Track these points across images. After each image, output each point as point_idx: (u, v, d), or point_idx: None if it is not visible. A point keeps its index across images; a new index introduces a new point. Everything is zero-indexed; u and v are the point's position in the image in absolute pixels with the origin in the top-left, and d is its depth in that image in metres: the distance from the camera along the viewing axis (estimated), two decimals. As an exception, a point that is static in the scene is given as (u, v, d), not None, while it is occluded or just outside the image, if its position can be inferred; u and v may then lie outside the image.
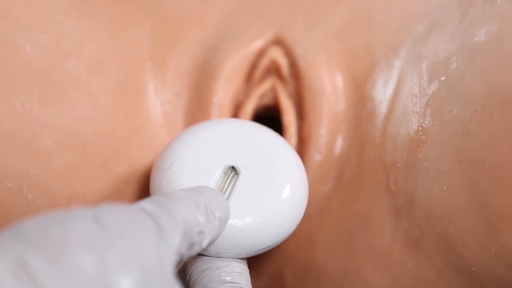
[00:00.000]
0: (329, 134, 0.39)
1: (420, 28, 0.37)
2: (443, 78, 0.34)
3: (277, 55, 0.41)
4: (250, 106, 0.40)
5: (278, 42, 0.41)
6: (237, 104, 0.41)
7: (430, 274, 0.33)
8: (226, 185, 0.33)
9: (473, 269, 0.31)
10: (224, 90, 0.40)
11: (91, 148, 0.36)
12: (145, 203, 0.27)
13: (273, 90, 0.41)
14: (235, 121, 0.36)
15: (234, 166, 0.33)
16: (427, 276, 0.33)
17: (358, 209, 0.37)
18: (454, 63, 0.33)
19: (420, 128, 0.34)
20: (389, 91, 0.37)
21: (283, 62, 0.41)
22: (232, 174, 0.33)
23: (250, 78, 0.41)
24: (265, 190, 0.33)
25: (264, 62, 0.41)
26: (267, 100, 0.41)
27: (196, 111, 0.40)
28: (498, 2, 0.33)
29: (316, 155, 0.39)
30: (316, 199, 0.39)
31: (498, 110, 0.30)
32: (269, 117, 0.42)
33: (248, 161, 0.34)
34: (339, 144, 0.39)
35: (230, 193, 0.33)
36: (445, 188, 0.32)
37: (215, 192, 0.31)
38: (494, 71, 0.31)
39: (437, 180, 0.32)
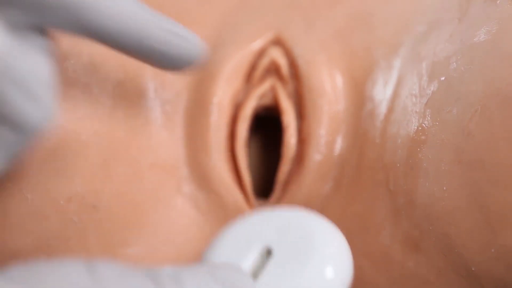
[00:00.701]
0: (329, 134, 0.39)
1: (420, 28, 0.37)
2: (443, 78, 0.34)
3: (277, 55, 0.41)
4: (250, 107, 0.40)
5: (278, 42, 0.41)
6: (236, 104, 0.41)
7: (430, 274, 0.33)
8: (258, 267, 0.32)
9: (473, 269, 0.31)
10: (224, 90, 0.40)
11: (91, 148, 0.36)
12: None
13: (273, 90, 0.41)
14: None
15: (269, 247, 0.32)
16: (427, 276, 0.33)
17: (358, 209, 0.37)
18: (454, 63, 0.33)
19: (420, 128, 0.34)
20: (389, 91, 0.37)
21: (282, 62, 0.41)
22: (266, 255, 0.32)
23: (249, 79, 0.41)
24: (300, 271, 0.30)
25: (264, 62, 0.41)
26: (266, 100, 0.41)
27: (196, 112, 0.40)
28: (498, 2, 0.33)
29: (316, 155, 0.39)
30: (316, 200, 0.39)
31: (498, 110, 0.30)
32: (269, 117, 0.42)
33: (285, 241, 0.32)
34: (339, 144, 0.39)
35: (261, 274, 0.31)
36: (445, 188, 0.32)
37: (239, 272, 0.29)
38: (494, 71, 0.31)
39: (437, 180, 0.32)
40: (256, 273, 0.31)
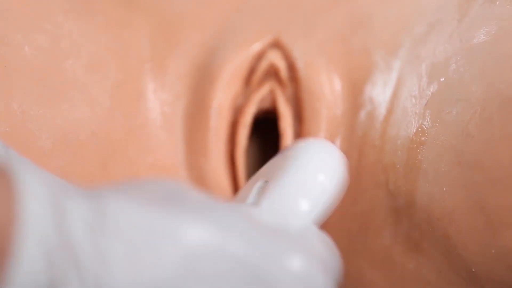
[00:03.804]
0: (328, 137, 0.39)
1: (419, 29, 0.37)
2: (442, 79, 0.34)
3: (276, 58, 0.41)
4: (250, 113, 0.40)
5: (277, 45, 0.41)
6: (236, 109, 0.41)
7: (430, 275, 0.33)
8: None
9: (473, 270, 0.31)
10: (223, 94, 0.40)
11: (89, 149, 0.36)
12: None
13: (272, 94, 0.41)
14: None
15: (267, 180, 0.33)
16: (428, 277, 0.33)
17: (358, 210, 0.37)
18: (454, 64, 0.33)
19: (419, 129, 0.34)
20: (388, 92, 0.37)
21: (281, 65, 0.41)
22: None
23: (249, 82, 0.41)
24: (292, 181, 0.32)
25: (263, 65, 0.41)
26: (265, 104, 0.41)
27: (196, 114, 0.40)
28: (497, 3, 0.33)
29: None
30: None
31: (497, 111, 0.30)
32: (268, 120, 0.42)
33: (278, 166, 0.33)
34: (338, 147, 0.39)
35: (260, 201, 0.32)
36: (444, 189, 0.32)
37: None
38: (493, 72, 0.31)
39: (437, 181, 0.32)
40: (256, 202, 0.32)
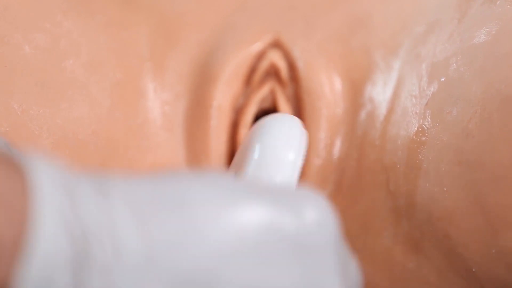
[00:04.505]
0: (328, 137, 0.39)
1: (419, 29, 0.37)
2: (442, 79, 0.34)
3: (276, 58, 0.40)
4: (250, 113, 0.40)
5: (277, 44, 0.41)
6: (236, 109, 0.41)
7: (431, 275, 0.33)
8: None
9: (474, 270, 0.31)
10: (223, 94, 0.40)
11: (89, 149, 0.35)
12: None
13: (272, 94, 0.41)
14: None
15: None
16: (428, 277, 0.33)
17: (359, 210, 0.37)
18: (454, 64, 0.33)
19: (420, 129, 0.34)
20: (389, 92, 0.37)
21: (282, 65, 0.40)
22: None
23: (249, 82, 0.41)
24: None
25: (263, 65, 0.41)
26: (266, 104, 0.41)
27: (196, 114, 0.40)
28: (497, 3, 0.33)
29: (316, 159, 0.39)
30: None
31: (498, 111, 0.30)
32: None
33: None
34: (338, 147, 0.39)
35: None
36: (445, 189, 0.32)
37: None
38: (494, 72, 0.31)
39: (437, 181, 0.32)
40: None
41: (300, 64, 0.40)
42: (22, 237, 0.20)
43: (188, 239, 0.22)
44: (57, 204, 0.21)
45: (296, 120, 0.36)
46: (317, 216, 0.25)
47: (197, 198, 0.23)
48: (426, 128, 0.34)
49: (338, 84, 0.40)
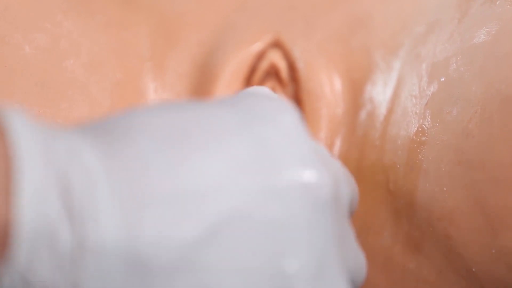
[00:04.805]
0: (328, 137, 0.39)
1: (419, 29, 0.37)
2: (442, 79, 0.34)
3: (276, 58, 0.41)
4: None
5: (277, 44, 0.41)
6: (236, 109, 0.41)
7: (431, 275, 0.33)
8: None
9: (474, 270, 0.31)
10: (224, 94, 0.40)
11: None
12: None
13: (272, 94, 0.41)
14: None
15: None
16: (428, 277, 0.33)
17: (359, 210, 0.37)
18: (454, 64, 0.33)
19: (420, 129, 0.34)
20: (389, 92, 0.37)
21: (282, 65, 0.41)
22: None
23: (249, 82, 0.41)
24: None
25: (264, 65, 0.41)
26: (265, 104, 0.41)
27: None
28: (497, 3, 0.33)
29: None
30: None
31: (498, 111, 0.30)
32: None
33: None
34: (338, 147, 0.39)
35: None
36: (445, 189, 0.32)
37: None
38: (494, 72, 0.31)
39: (437, 181, 0.32)
40: None
41: (300, 64, 0.40)
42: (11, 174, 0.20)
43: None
44: (38, 146, 0.21)
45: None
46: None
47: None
48: (426, 128, 0.34)
49: (338, 84, 0.40)
